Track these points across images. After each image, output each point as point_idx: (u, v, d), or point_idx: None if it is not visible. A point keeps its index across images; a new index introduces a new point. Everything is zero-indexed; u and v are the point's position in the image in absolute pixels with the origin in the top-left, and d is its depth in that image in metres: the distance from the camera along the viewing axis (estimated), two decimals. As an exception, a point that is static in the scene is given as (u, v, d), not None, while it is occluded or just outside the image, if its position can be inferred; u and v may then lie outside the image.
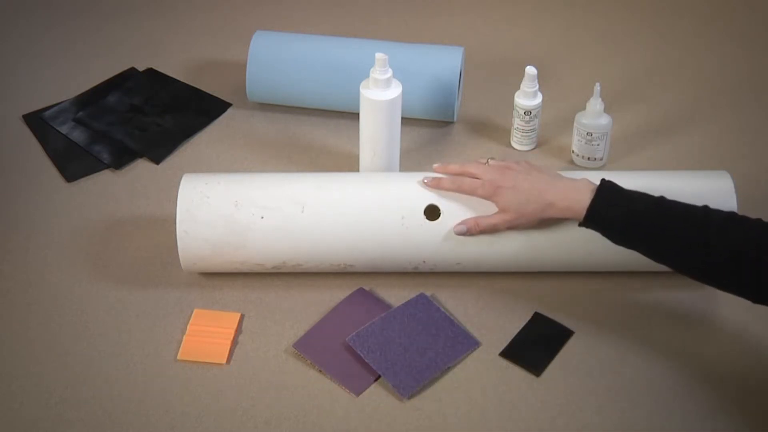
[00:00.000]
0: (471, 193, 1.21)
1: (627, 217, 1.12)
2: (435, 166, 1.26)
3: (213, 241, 1.23)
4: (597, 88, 1.42)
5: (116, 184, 1.46)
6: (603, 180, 1.16)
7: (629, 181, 1.25)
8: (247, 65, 1.54)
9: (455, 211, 1.23)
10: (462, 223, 1.21)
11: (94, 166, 1.49)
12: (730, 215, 1.09)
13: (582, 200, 1.15)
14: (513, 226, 1.21)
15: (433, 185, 1.23)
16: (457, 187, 1.22)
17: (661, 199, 1.12)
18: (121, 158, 1.51)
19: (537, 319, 1.23)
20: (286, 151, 1.52)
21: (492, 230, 1.21)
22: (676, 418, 1.12)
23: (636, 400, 1.14)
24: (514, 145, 1.52)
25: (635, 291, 1.28)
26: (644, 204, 1.12)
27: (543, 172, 1.21)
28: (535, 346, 1.20)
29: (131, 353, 1.20)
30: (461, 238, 1.23)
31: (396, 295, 1.27)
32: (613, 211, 1.12)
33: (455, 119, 1.56)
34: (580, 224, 1.16)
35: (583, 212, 1.14)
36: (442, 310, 1.24)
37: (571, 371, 1.17)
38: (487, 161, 1.24)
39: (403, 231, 1.23)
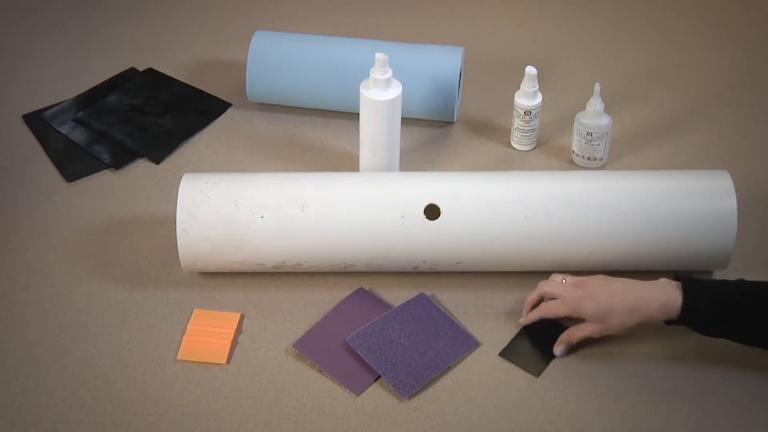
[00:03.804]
0: (555, 314, 1.19)
1: (721, 304, 1.11)
2: (521, 321, 1.23)
3: (213, 241, 1.23)
4: (597, 88, 1.42)
5: (116, 184, 1.46)
6: (681, 274, 1.15)
7: (629, 181, 1.25)
8: (247, 65, 1.54)
9: (455, 211, 1.23)
10: (558, 344, 1.19)
11: (94, 166, 1.49)
12: None
13: (672, 300, 1.12)
14: (605, 335, 1.17)
15: (525, 322, 1.22)
16: (544, 313, 1.20)
17: (743, 282, 1.12)
18: (121, 158, 1.51)
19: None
20: (286, 151, 1.52)
21: (585, 339, 1.19)
22: (676, 418, 1.12)
23: (636, 400, 1.14)
24: (514, 145, 1.52)
25: (635, 291, 1.28)
26: (732, 289, 1.11)
27: (619, 281, 1.17)
28: (535, 346, 1.20)
29: (131, 353, 1.20)
30: (461, 237, 1.23)
31: (396, 295, 1.27)
32: (706, 302, 1.11)
33: (455, 119, 1.56)
34: (671, 323, 1.14)
35: (677, 311, 1.12)
36: (442, 310, 1.24)
37: (571, 371, 1.17)
38: (563, 279, 1.21)
39: (403, 231, 1.23)
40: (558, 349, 1.19)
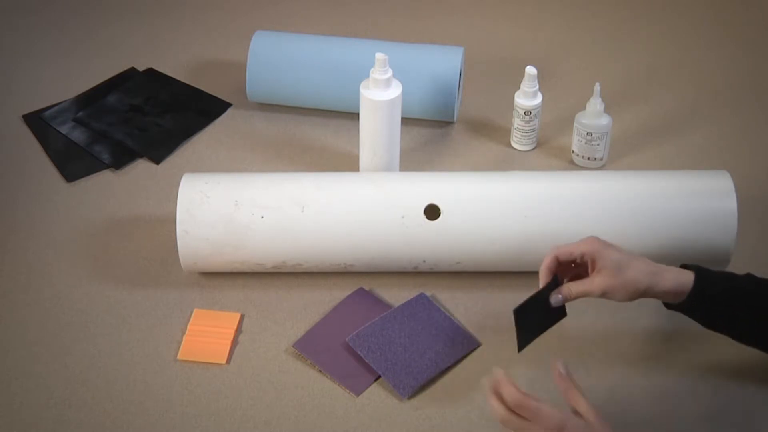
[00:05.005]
0: (570, 253, 1.10)
1: (729, 292, 1.09)
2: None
3: (213, 241, 1.23)
4: (597, 88, 1.42)
5: (116, 184, 1.46)
6: (691, 265, 1.12)
7: (629, 181, 1.25)
8: (247, 65, 1.54)
9: (455, 211, 1.23)
10: (556, 293, 1.12)
11: (94, 166, 1.49)
12: None
13: (685, 280, 1.09)
14: (607, 295, 1.10)
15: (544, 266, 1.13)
16: (560, 251, 1.11)
17: (752, 276, 1.11)
18: (121, 158, 1.51)
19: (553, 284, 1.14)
20: (286, 151, 1.52)
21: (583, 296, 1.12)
22: (676, 418, 1.12)
23: (636, 400, 1.14)
24: (514, 145, 1.52)
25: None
26: (742, 280, 1.10)
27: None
28: (537, 317, 1.13)
29: (131, 353, 1.20)
30: (461, 237, 1.23)
31: (396, 295, 1.27)
32: (716, 287, 1.09)
33: (455, 119, 1.56)
34: (671, 307, 1.12)
35: (688, 290, 1.09)
36: (442, 310, 1.24)
37: (571, 371, 1.17)
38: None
39: (403, 231, 1.23)
40: (554, 297, 1.11)
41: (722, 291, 1.09)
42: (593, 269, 1.10)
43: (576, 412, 1.01)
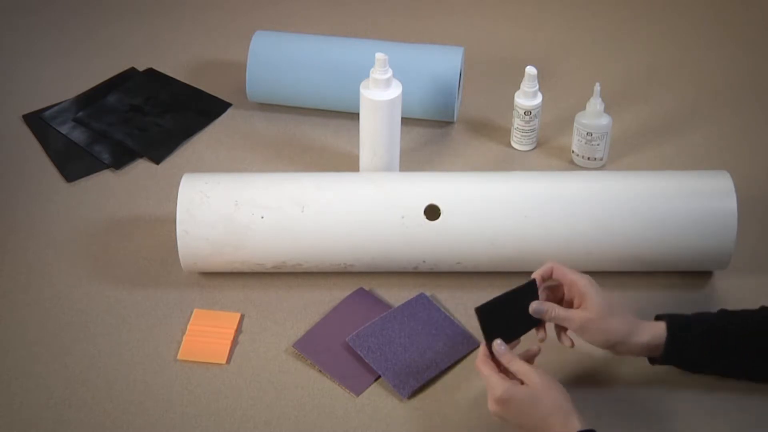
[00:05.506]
0: (562, 276, 1.11)
1: (705, 333, 1.09)
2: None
3: (213, 241, 1.23)
4: (597, 88, 1.42)
5: (116, 184, 1.46)
6: (660, 316, 1.12)
7: (629, 181, 1.25)
8: (247, 65, 1.54)
9: (455, 211, 1.23)
10: (538, 304, 1.11)
11: (94, 166, 1.49)
12: None
13: (658, 332, 1.09)
14: (585, 333, 1.09)
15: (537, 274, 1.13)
16: (557, 270, 1.12)
17: (725, 311, 1.12)
18: (121, 158, 1.51)
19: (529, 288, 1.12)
20: (286, 151, 1.52)
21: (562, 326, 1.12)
22: (675, 419, 1.12)
23: (635, 400, 1.14)
24: (514, 145, 1.52)
25: (635, 291, 1.27)
26: (714, 318, 1.10)
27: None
28: (507, 318, 1.10)
29: (131, 353, 1.20)
30: (461, 237, 1.23)
31: (396, 295, 1.27)
32: (690, 333, 1.09)
33: (455, 119, 1.56)
34: (655, 361, 1.12)
35: (662, 342, 1.09)
36: (442, 310, 1.24)
37: (570, 371, 1.17)
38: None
39: (403, 231, 1.23)
40: (533, 307, 1.10)
41: (697, 327, 1.09)
42: (578, 306, 1.11)
43: (522, 381, 1.04)
